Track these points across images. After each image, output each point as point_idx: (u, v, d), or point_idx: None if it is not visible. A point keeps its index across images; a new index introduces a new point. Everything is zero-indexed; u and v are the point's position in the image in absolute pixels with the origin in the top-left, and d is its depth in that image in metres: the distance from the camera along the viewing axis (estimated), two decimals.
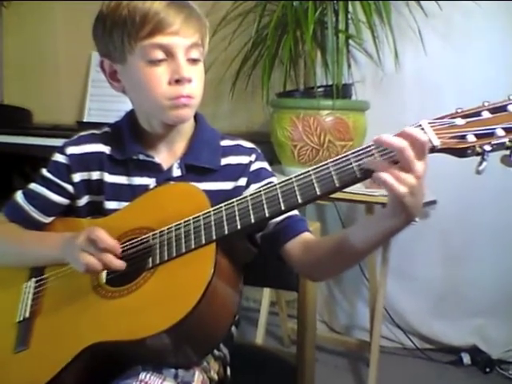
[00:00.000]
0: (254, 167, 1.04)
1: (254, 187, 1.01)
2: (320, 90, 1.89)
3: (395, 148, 0.72)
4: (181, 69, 0.94)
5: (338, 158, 0.80)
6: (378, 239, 0.82)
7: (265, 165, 1.06)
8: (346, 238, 0.85)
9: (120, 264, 0.89)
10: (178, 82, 0.94)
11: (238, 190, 1.01)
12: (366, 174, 0.77)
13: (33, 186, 1.07)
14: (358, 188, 1.69)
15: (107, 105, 2.43)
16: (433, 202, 1.76)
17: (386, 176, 0.72)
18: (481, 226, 2.13)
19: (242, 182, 1.02)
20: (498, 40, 2.02)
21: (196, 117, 1.06)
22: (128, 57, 0.95)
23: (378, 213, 0.87)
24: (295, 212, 0.97)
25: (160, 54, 0.93)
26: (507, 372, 2.06)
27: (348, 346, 2.21)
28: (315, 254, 0.92)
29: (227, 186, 1.02)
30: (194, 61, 0.97)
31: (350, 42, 1.97)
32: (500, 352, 2.12)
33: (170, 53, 0.94)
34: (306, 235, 0.97)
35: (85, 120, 2.53)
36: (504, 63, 2.01)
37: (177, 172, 1.01)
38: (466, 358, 2.12)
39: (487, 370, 2.07)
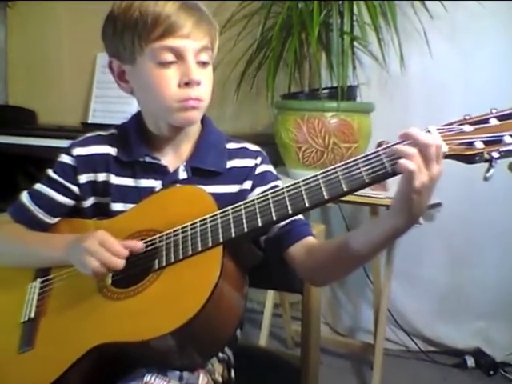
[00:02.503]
0: (259, 170, 1.04)
1: (259, 190, 1.01)
2: (325, 91, 1.90)
3: (423, 142, 0.73)
4: (190, 72, 0.94)
5: (346, 162, 0.80)
6: (380, 241, 0.82)
7: (270, 168, 1.06)
8: (348, 241, 0.86)
9: (119, 263, 0.87)
10: (187, 84, 0.94)
11: (243, 193, 1.01)
12: (375, 179, 0.77)
13: (38, 186, 1.06)
14: (362, 190, 1.69)
15: (112, 106, 2.43)
16: (438, 205, 1.76)
17: (411, 164, 0.73)
18: (485, 228, 2.13)
19: (247, 185, 1.02)
20: (503, 41, 2.02)
21: (203, 119, 1.06)
22: (137, 58, 0.95)
23: (382, 214, 0.87)
24: (299, 216, 0.96)
25: (170, 57, 0.94)
26: (511, 375, 2.05)
27: (351, 349, 2.20)
28: (318, 257, 0.92)
29: (232, 189, 1.02)
30: (203, 64, 0.97)
31: (355, 43, 1.97)
32: (504, 355, 2.12)
33: (180, 55, 0.94)
34: (310, 239, 0.97)
35: (89, 121, 2.53)
36: (509, 64, 2.01)
37: (183, 175, 1.01)
38: (470, 361, 2.12)
39: (491, 372, 2.07)
